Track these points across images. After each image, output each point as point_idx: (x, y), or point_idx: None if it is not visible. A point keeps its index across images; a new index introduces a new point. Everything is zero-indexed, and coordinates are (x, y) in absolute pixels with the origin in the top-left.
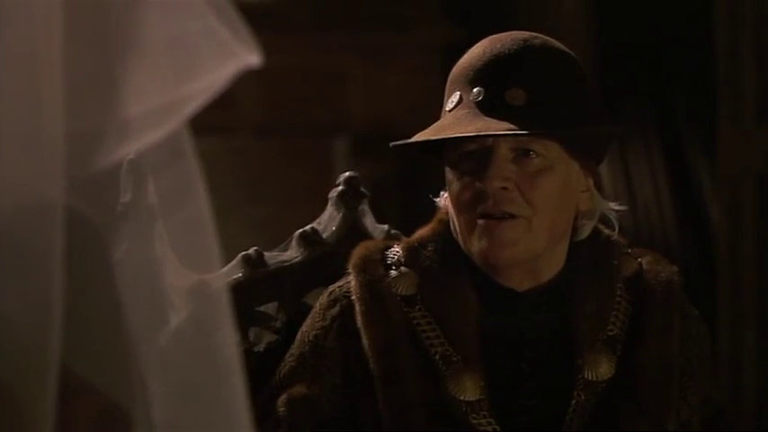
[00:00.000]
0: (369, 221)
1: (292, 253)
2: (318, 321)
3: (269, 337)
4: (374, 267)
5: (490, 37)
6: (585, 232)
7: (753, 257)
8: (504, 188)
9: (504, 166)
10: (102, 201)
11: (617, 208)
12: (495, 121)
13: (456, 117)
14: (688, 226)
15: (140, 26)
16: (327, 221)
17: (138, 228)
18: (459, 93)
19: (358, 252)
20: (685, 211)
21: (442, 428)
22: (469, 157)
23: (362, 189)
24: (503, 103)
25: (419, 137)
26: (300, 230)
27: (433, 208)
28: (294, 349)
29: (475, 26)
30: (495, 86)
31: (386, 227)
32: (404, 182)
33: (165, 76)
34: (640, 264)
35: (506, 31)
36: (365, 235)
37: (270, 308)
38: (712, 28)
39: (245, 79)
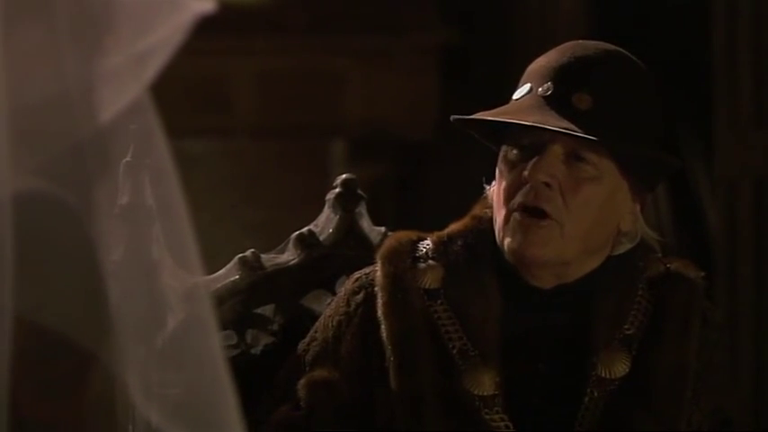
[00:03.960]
0: (366, 224)
1: (289, 255)
2: (342, 307)
3: (266, 340)
4: (401, 260)
5: (579, 41)
6: (621, 250)
7: (749, 259)
8: (547, 184)
9: (553, 163)
10: (72, 177)
11: (658, 238)
12: (556, 117)
13: (520, 106)
14: (685, 228)
15: None
16: (324, 224)
17: (136, 230)
18: (530, 84)
19: (388, 243)
20: (682, 212)
21: (453, 421)
22: (523, 149)
23: (359, 191)
24: (568, 103)
25: (479, 115)
26: (297, 233)
27: (431, 211)
28: (318, 334)
29: (472, 29)
30: (565, 86)
31: (383, 229)
32: (400, 184)
33: (122, 34)
34: (667, 267)
35: (503, 34)
36: (362, 237)
37: (267, 310)
38: (709, 30)
39: (242, 82)
